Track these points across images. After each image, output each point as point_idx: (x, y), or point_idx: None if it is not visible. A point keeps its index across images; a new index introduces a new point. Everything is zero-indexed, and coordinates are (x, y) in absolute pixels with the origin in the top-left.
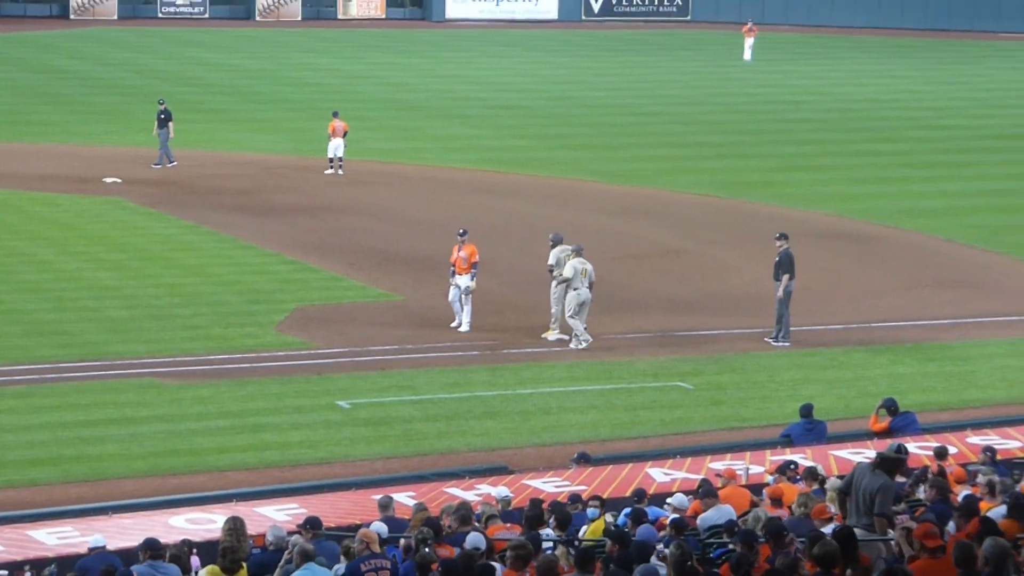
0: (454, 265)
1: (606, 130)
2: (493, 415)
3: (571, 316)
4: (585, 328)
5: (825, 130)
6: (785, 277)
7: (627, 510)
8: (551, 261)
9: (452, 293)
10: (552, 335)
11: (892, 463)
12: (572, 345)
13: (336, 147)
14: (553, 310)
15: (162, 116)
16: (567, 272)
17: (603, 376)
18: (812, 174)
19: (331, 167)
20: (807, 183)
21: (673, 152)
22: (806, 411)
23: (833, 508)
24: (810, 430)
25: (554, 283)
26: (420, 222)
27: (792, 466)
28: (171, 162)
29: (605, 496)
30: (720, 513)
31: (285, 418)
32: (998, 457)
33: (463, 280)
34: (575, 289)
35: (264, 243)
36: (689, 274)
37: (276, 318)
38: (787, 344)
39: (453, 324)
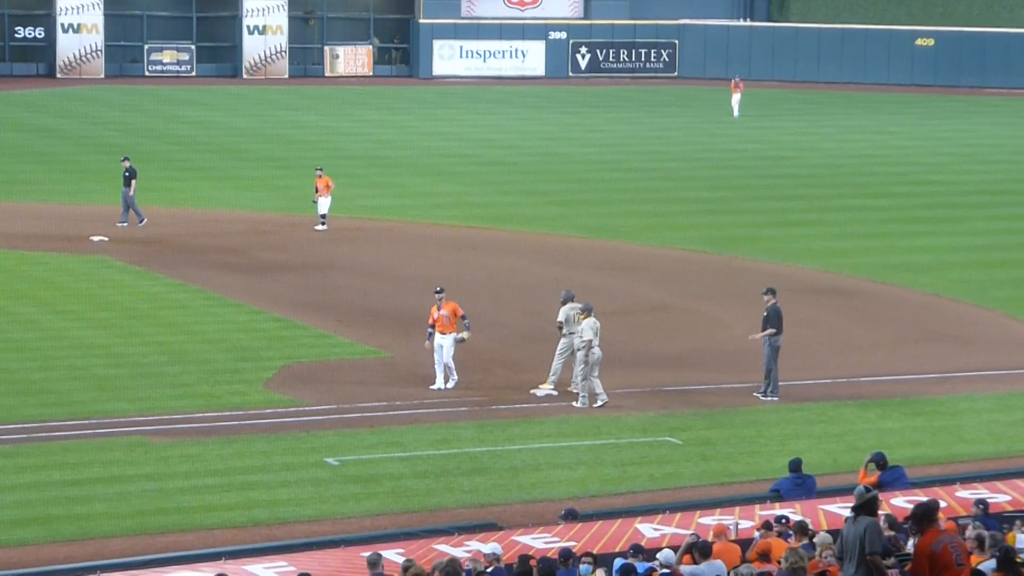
0: (433, 325)
1: (593, 186)
2: (482, 471)
3: (590, 376)
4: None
5: (812, 185)
6: (771, 332)
7: (617, 565)
8: (560, 318)
9: (436, 355)
10: (542, 390)
11: (868, 504)
12: (597, 403)
13: (321, 204)
14: (554, 365)
15: (126, 174)
16: (588, 334)
17: (592, 432)
18: (800, 229)
19: (323, 223)
20: (794, 238)
21: (660, 208)
22: (795, 466)
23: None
24: (799, 485)
25: (562, 340)
26: (407, 278)
27: (783, 520)
28: (140, 220)
29: (595, 552)
30: (712, 568)
31: (273, 476)
32: (990, 511)
33: (448, 340)
34: (593, 349)
35: (252, 300)
36: (677, 329)
37: (264, 375)
38: (776, 399)
39: (433, 386)
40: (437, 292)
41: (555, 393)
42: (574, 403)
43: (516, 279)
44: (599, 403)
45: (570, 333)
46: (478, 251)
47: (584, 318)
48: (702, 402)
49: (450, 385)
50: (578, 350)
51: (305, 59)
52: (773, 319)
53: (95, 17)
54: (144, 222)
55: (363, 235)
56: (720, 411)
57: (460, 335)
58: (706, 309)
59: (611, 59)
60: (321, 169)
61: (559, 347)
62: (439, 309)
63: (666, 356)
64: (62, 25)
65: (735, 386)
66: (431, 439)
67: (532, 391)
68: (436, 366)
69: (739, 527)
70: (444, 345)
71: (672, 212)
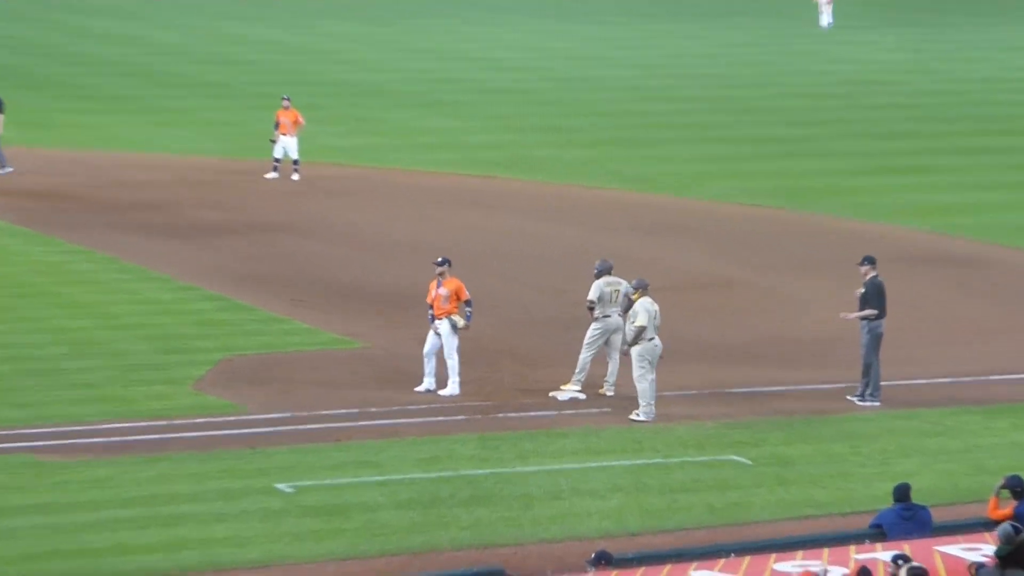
0: (432, 306)
1: (630, 121)
2: (485, 501)
3: (643, 377)
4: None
5: (922, 119)
6: (870, 313)
7: None
8: (592, 296)
9: (429, 344)
10: (565, 392)
11: (1020, 551)
12: (634, 415)
13: (287, 146)
14: (582, 359)
15: None
16: (641, 319)
17: (631, 448)
18: (905, 178)
19: (275, 171)
20: (898, 189)
21: (719, 150)
22: (902, 493)
23: None
24: (908, 518)
25: (594, 326)
26: (389, 245)
27: (900, 560)
28: (3, 167)
29: None
30: None
31: (207, 507)
32: None
33: (444, 326)
34: (650, 339)
35: (181, 274)
36: (743, 312)
37: (195, 372)
38: (876, 403)
39: (419, 388)
40: (438, 264)
41: (582, 396)
42: (634, 415)
43: (531, 245)
44: (651, 416)
45: (605, 316)
46: (479, 208)
47: (638, 297)
48: (777, 408)
49: (449, 391)
50: (628, 344)
51: None
52: (873, 297)
53: None
54: (7, 170)
55: (329, 187)
56: (801, 420)
57: (457, 320)
58: (780, 285)
59: None
60: (288, 99)
61: (589, 335)
62: (439, 286)
63: (728, 347)
64: None
65: (821, 387)
66: (417, 457)
67: (552, 393)
68: (425, 360)
69: (829, 574)
70: (442, 333)
71: (735, 156)
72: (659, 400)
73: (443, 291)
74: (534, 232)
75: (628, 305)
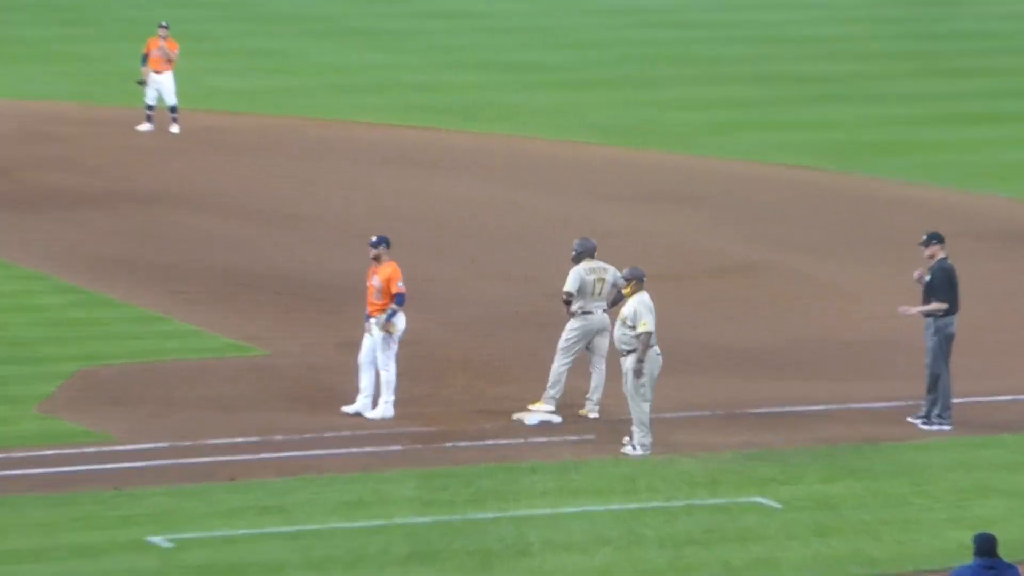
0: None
1: (620, 54)
2: (428, 559)
3: (643, 397)
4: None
5: (1006, 51)
6: (938, 307)
7: None
8: (570, 286)
9: (364, 350)
10: (535, 415)
11: None
12: (626, 446)
13: (162, 87)
14: (555, 369)
15: None
16: (648, 321)
17: (622, 487)
18: (984, 128)
19: (149, 122)
20: (975, 144)
21: (737, 92)
22: (985, 546)
23: None
24: None
25: (572, 325)
26: (300, 219)
27: None
28: None
29: None
30: None
31: (58, 568)
32: None
33: (376, 328)
34: (653, 347)
35: (24, 257)
36: (771, 306)
37: (43, 389)
38: (947, 426)
39: (349, 408)
40: (372, 244)
41: (557, 419)
42: (625, 447)
43: (489, 219)
44: (646, 452)
45: (586, 312)
46: (420, 168)
47: (631, 291)
48: (815, 434)
49: (379, 413)
50: (638, 360)
51: None
52: (941, 286)
53: None
54: None
55: (220, 142)
56: (847, 449)
57: (381, 322)
58: (820, 270)
59: None
60: (166, 26)
61: (565, 337)
62: (373, 273)
63: (750, 352)
64: None
65: (873, 406)
66: (337, 501)
67: (517, 416)
68: (359, 372)
69: None
70: (376, 338)
71: (759, 100)
72: (656, 423)
73: (375, 281)
74: (493, 201)
75: (617, 299)
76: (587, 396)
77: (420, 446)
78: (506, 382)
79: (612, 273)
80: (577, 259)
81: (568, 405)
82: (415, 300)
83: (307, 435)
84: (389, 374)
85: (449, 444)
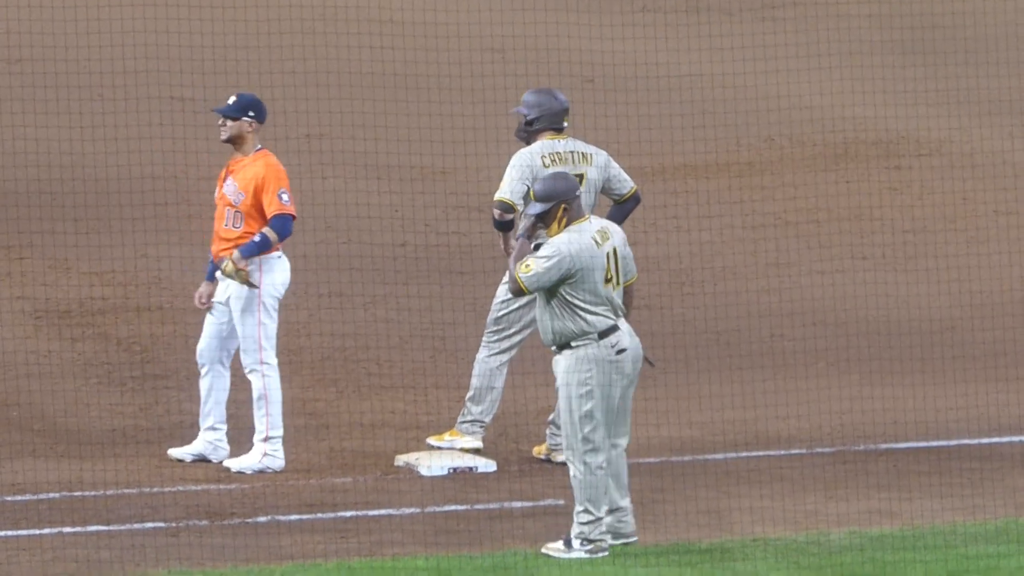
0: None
1: None
2: None
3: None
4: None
5: None
6: None
7: None
8: (507, 191)
9: (207, 332)
10: (443, 457)
11: None
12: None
13: None
14: (484, 359)
15: None
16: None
17: None
18: None
19: None
20: None
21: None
22: None
23: None
24: None
25: (501, 297)
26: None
27: None
28: None
29: None
30: None
31: None
32: None
33: (233, 286)
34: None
35: None
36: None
37: None
38: None
39: (179, 452)
40: (221, 112)
41: (484, 466)
42: (561, 544)
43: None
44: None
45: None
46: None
47: (606, 240)
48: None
49: (252, 461)
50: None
51: None
52: None
53: None
54: None
55: None
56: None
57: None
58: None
59: None
60: None
61: (502, 294)
62: (226, 177)
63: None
64: None
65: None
66: None
67: (401, 460)
68: (200, 371)
69: None
70: (230, 302)
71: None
72: (641, 470)
73: (230, 185)
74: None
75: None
76: (550, 419)
77: (309, 510)
78: (395, 389)
79: (602, 159)
80: (530, 134)
81: (503, 431)
82: (290, 230)
83: (88, 492)
84: (265, 378)
85: (348, 512)
